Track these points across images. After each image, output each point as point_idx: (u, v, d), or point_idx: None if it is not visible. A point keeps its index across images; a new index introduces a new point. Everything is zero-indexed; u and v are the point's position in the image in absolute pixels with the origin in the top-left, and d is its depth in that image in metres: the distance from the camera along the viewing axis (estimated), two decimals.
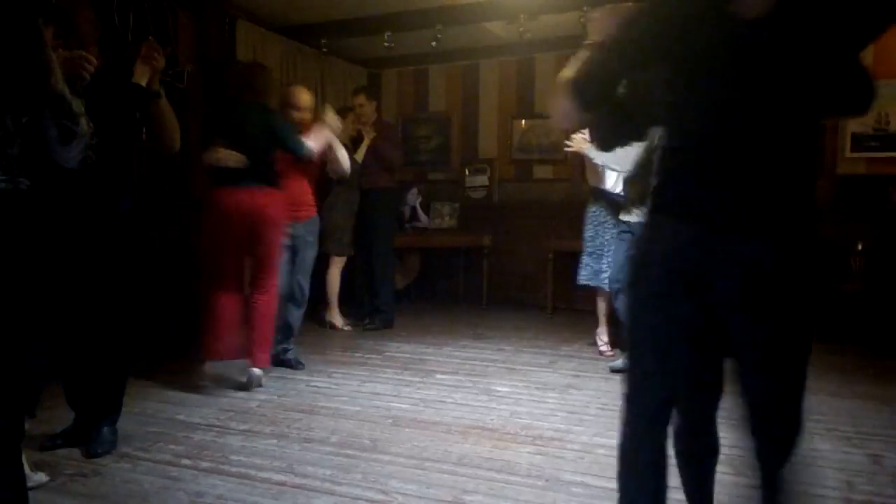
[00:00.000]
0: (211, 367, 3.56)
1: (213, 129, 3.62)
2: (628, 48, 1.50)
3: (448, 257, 6.85)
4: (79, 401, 2.75)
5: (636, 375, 1.60)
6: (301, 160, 3.72)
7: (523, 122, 6.65)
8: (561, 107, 1.56)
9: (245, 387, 3.55)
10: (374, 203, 5.19)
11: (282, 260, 3.73)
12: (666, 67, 1.52)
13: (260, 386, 3.59)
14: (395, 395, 3.52)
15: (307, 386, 3.69)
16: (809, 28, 1.39)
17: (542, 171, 6.65)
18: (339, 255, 5.14)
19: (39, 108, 1.64)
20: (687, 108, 1.50)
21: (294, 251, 3.95)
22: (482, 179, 6.80)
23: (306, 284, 4.05)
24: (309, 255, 4.04)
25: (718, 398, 1.71)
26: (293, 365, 4.02)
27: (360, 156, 5.08)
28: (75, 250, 2.53)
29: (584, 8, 4.87)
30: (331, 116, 3.90)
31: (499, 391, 3.61)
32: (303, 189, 4.00)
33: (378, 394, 3.55)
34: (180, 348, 4.47)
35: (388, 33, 5.47)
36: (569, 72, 1.55)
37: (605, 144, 1.99)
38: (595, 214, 4.33)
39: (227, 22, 5.23)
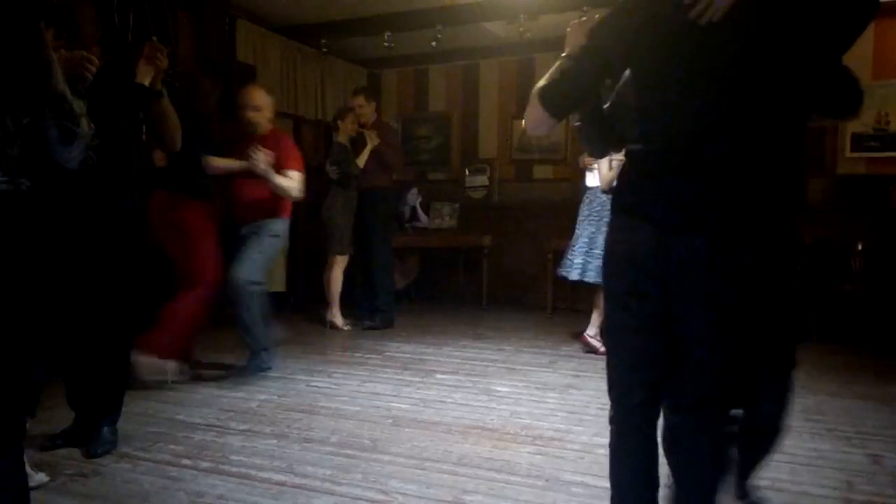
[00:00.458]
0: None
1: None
2: (593, 57, 1.55)
3: (448, 257, 6.85)
4: (79, 401, 2.75)
5: (615, 373, 1.68)
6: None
7: (523, 122, 6.64)
8: (532, 115, 1.63)
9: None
10: (373, 203, 5.19)
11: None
12: (631, 73, 1.57)
13: (166, 377, 3.50)
14: (395, 395, 3.52)
15: (307, 386, 3.69)
16: (770, 30, 1.40)
17: (542, 171, 6.65)
18: (340, 254, 5.15)
19: (40, 109, 1.64)
20: (651, 111, 1.54)
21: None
22: (482, 179, 6.81)
23: (246, 277, 3.69)
24: (253, 250, 3.76)
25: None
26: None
27: (362, 161, 5.08)
28: (76, 250, 2.53)
29: (585, 8, 4.88)
30: (260, 156, 3.69)
31: (499, 391, 3.61)
32: (252, 193, 3.80)
33: (378, 394, 3.55)
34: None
35: (388, 33, 5.48)
36: (540, 82, 1.61)
37: (596, 151, 2.05)
38: (599, 213, 4.34)
39: (227, 22, 5.23)
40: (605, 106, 1.73)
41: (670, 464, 1.65)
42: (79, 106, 1.72)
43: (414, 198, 6.68)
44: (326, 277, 5.19)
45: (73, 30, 2.37)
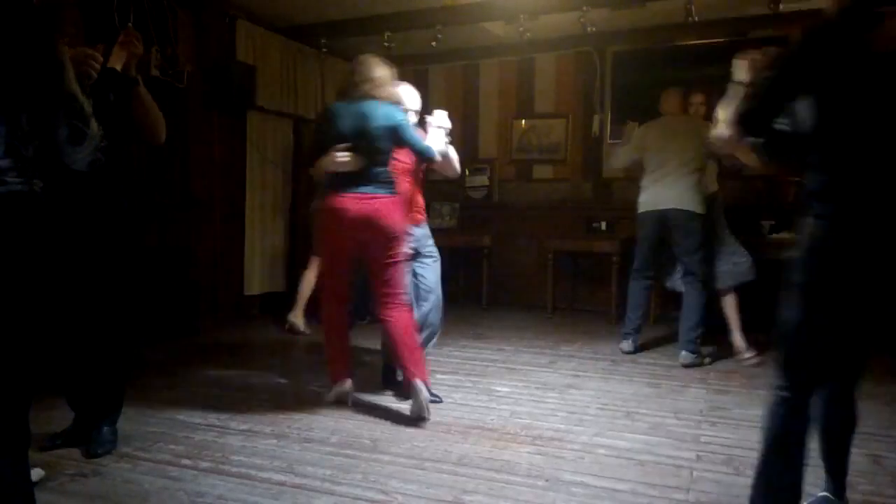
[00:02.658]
0: (335, 391, 3.31)
1: (329, 130, 3.14)
2: (779, 86, 1.83)
3: (448, 257, 6.82)
4: (79, 401, 2.75)
5: (797, 359, 1.94)
6: (426, 162, 3.39)
7: (523, 122, 6.65)
8: (725, 136, 2.01)
9: (419, 412, 3.06)
10: None
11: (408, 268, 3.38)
12: (815, 99, 1.79)
13: (431, 402, 3.17)
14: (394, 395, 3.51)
15: (307, 386, 3.68)
16: None
17: (542, 171, 6.65)
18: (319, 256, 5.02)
19: (54, 108, 1.63)
20: (830, 135, 1.77)
21: (415, 257, 3.54)
22: (482, 179, 6.80)
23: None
24: (437, 259, 3.70)
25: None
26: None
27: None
28: (78, 251, 2.53)
29: (584, 8, 4.87)
30: (441, 118, 3.45)
31: (499, 391, 3.61)
32: (417, 192, 3.65)
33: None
34: (180, 347, 4.48)
35: (388, 33, 5.47)
36: (722, 112, 2.02)
37: (763, 158, 2.36)
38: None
39: (227, 22, 5.23)
40: (778, 123, 1.94)
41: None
42: (88, 105, 1.71)
43: None
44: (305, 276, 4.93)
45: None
